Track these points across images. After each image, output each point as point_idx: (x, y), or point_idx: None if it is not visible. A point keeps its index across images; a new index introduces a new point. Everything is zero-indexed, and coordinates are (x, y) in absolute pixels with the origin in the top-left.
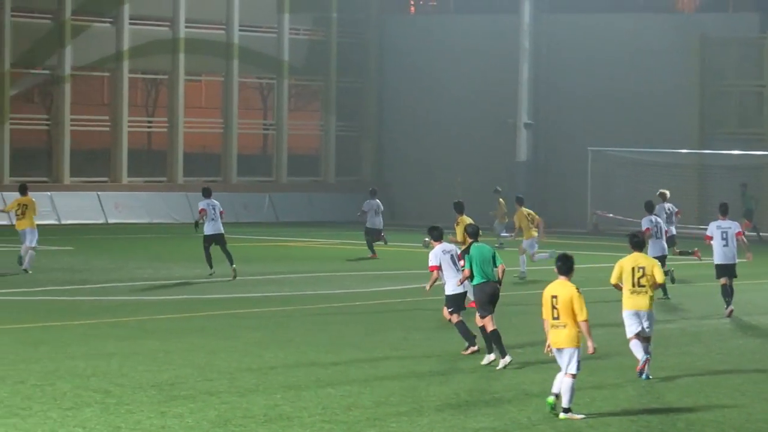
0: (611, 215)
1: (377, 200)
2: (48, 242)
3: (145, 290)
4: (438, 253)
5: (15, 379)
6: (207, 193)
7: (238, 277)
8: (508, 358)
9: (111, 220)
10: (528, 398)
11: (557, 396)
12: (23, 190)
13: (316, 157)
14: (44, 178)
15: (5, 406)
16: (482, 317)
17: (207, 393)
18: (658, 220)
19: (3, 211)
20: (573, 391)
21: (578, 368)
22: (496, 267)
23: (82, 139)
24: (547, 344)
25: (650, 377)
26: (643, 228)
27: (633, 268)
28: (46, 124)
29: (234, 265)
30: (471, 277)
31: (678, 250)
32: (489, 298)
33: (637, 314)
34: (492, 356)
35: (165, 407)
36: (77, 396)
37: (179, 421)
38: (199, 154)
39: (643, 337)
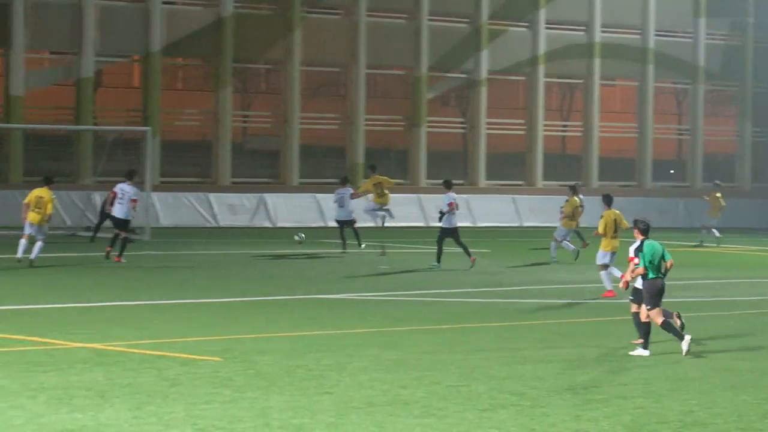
0: None
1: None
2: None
3: (559, 294)
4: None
5: (431, 380)
6: (449, 185)
7: None
8: (688, 338)
9: (526, 224)
10: None
11: None
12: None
13: (731, 162)
14: (460, 181)
15: (422, 407)
16: (649, 310)
17: (621, 397)
18: None
19: (358, 195)
20: None
21: None
22: (665, 262)
23: (497, 143)
24: None
25: None
26: None
27: None
28: (462, 128)
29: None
30: (644, 274)
31: None
32: (659, 292)
33: None
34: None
35: (579, 411)
36: (492, 398)
37: (594, 424)
38: (613, 159)
39: None
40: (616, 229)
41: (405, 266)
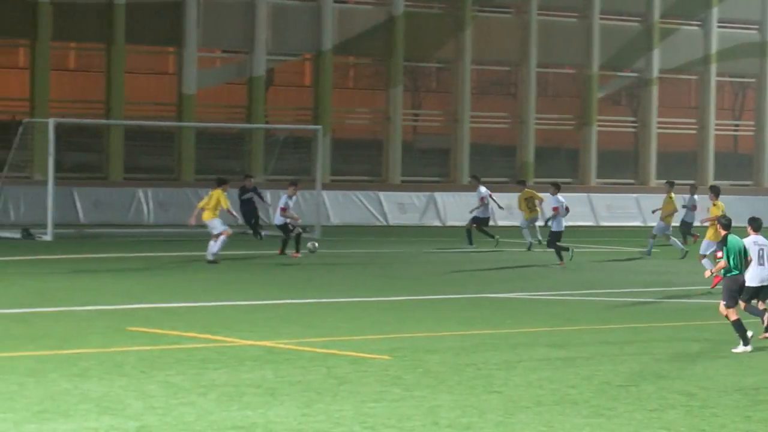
0: None
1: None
2: (634, 244)
3: None
4: (749, 243)
5: (601, 380)
6: (557, 188)
7: None
8: (748, 348)
9: (696, 223)
10: None
11: None
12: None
13: None
14: (630, 181)
15: (591, 406)
16: (727, 307)
17: None
18: None
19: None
20: None
21: None
22: (746, 258)
23: (667, 142)
24: None
25: None
26: None
27: None
28: (633, 127)
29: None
30: (728, 269)
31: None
32: (739, 289)
33: None
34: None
35: (750, 412)
36: (661, 398)
37: (764, 425)
38: None
39: None
40: None
41: (574, 266)
